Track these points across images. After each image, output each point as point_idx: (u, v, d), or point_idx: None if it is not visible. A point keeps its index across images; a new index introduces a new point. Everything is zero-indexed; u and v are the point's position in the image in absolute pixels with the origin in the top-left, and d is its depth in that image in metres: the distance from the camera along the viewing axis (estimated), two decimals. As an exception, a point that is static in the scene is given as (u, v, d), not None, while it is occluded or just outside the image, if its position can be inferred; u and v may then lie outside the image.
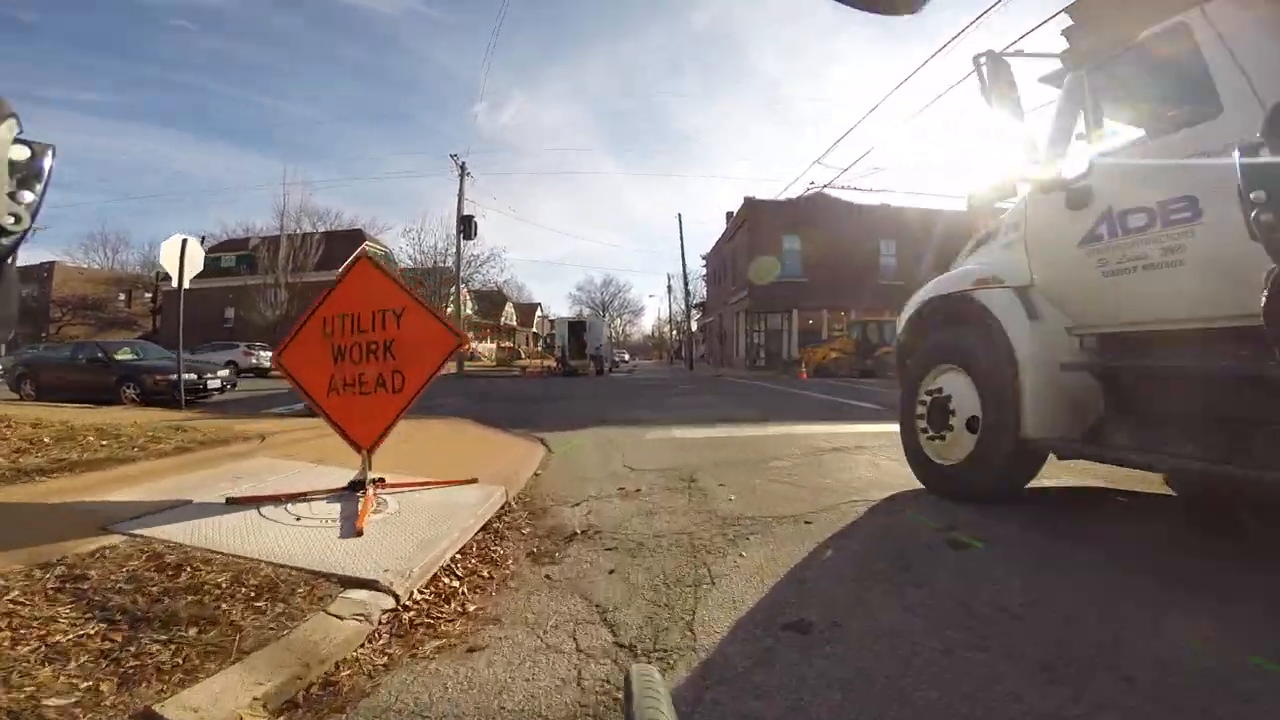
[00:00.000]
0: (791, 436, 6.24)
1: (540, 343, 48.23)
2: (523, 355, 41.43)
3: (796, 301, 29.13)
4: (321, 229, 35.31)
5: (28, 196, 0.71)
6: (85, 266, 45.75)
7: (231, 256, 35.66)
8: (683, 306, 42.62)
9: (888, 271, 30.00)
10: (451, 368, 28.28)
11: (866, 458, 4.95)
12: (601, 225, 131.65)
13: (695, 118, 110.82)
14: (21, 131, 0.72)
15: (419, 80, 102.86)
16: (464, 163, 24.38)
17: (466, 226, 23.32)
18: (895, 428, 4.12)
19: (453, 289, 39.36)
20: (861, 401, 10.96)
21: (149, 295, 41.65)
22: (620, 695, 1.35)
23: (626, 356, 53.85)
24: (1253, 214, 1.25)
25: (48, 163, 0.74)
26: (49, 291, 40.94)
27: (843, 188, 16.57)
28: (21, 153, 0.71)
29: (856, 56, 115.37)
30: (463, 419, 7.51)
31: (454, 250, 32.46)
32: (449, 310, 26.51)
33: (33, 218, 0.72)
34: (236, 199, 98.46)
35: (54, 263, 42.06)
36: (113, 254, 52.93)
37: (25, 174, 0.72)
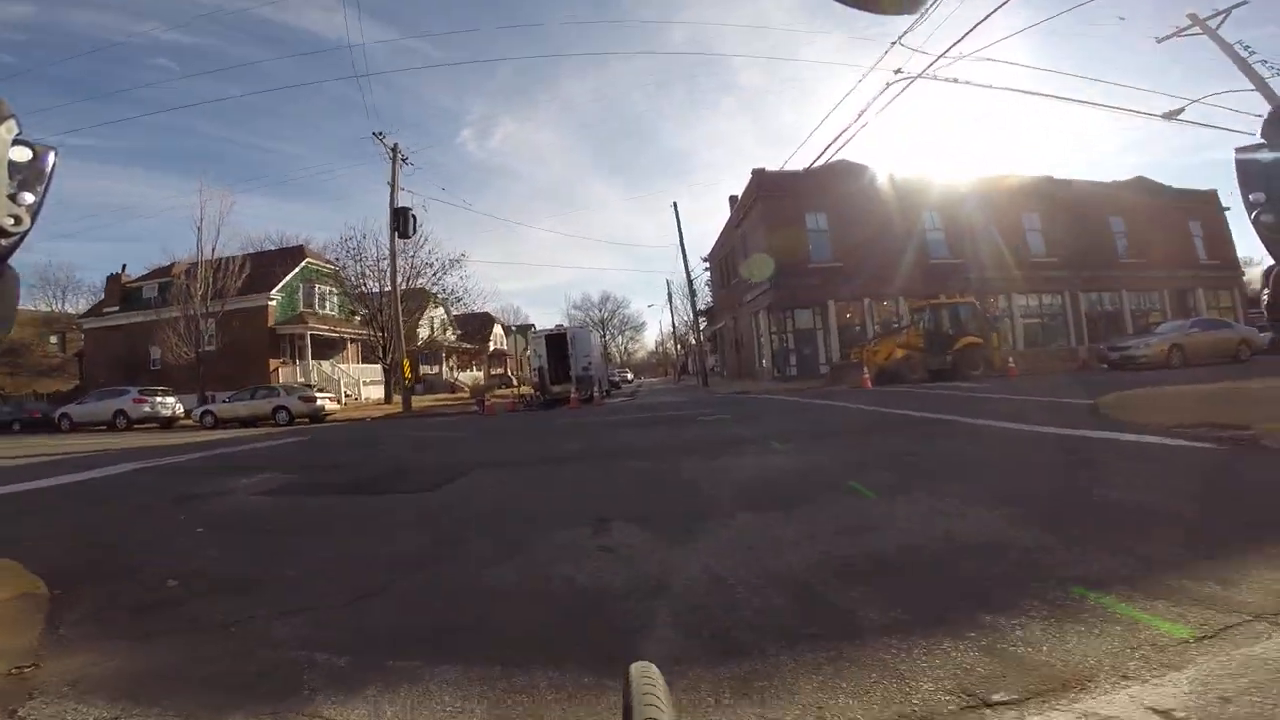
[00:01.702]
0: None
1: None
2: (515, 383, 35.56)
3: (831, 291, 23.20)
4: (267, 248, 30.13)
5: (28, 198, 0.68)
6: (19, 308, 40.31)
7: (154, 285, 29.93)
8: (685, 316, 36.93)
9: (937, 249, 24.34)
10: (399, 403, 22.49)
11: None
12: (597, 248, 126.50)
13: (685, 133, 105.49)
14: (21, 132, 0.69)
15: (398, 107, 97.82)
16: (395, 144, 18.85)
17: (401, 222, 17.70)
18: None
19: (427, 311, 34.28)
20: (1115, 432, 5.20)
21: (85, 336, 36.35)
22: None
23: (629, 375, 48.04)
24: (1252, 215, 1.15)
25: (50, 164, 0.71)
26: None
27: (937, 78, 10.95)
28: (23, 154, 0.69)
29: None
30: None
31: (414, 266, 27.56)
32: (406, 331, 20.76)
33: (33, 219, 0.69)
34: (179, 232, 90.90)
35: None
36: (61, 294, 48.03)
37: (26, 175, 0.69)
